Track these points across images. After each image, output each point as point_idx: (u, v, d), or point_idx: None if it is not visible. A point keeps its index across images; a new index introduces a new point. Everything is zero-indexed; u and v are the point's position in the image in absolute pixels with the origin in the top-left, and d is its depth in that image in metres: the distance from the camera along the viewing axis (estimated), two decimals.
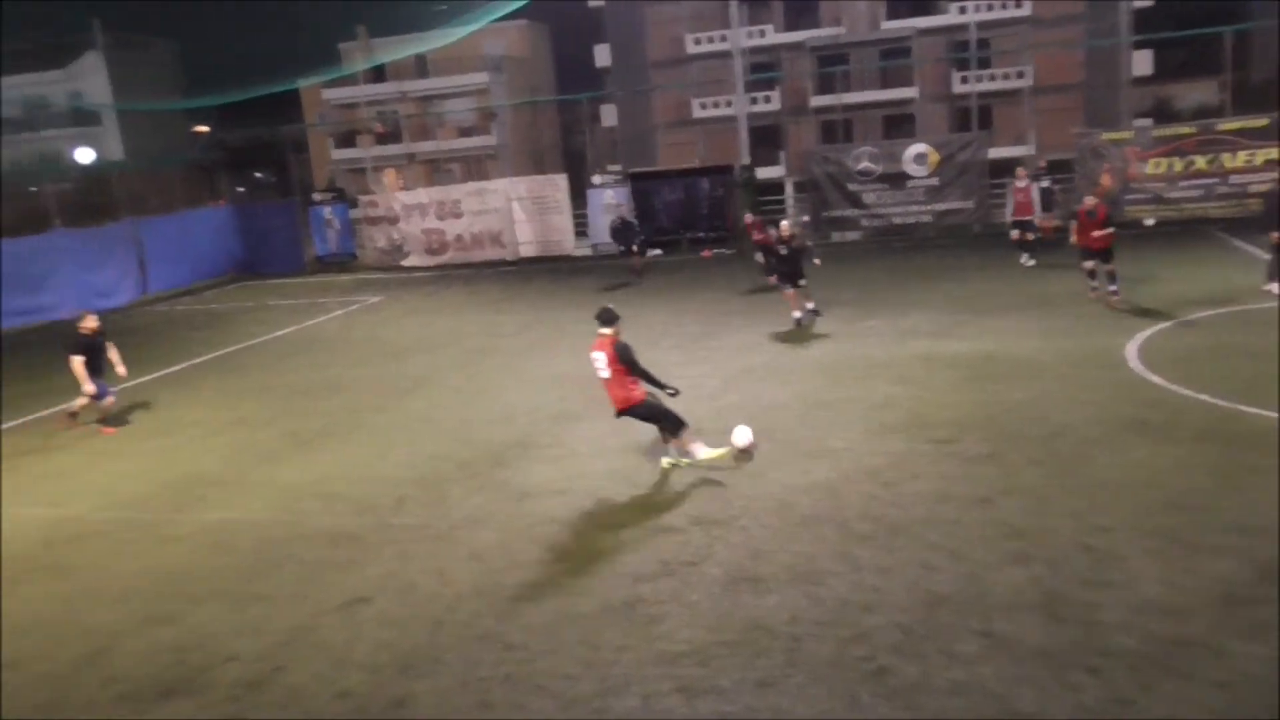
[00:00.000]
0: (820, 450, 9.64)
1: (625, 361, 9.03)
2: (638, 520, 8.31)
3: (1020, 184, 19.55)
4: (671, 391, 9.23)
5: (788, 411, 11.04)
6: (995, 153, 35.58)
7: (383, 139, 56.15)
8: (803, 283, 15.35)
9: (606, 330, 9.16)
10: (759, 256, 19.40)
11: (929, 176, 24.59)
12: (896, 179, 24.79)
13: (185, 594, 7.71)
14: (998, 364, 12.21)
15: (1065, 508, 7.79)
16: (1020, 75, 44.98)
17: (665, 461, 9.34)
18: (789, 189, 30.03)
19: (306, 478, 10.30)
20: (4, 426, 13.67)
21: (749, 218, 21.00)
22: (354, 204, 30.21)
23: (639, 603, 6.83)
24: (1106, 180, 22.73)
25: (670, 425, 9.24)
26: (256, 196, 54.49)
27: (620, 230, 23.15)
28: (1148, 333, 12.99)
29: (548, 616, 6.77)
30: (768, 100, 47.85)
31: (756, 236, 19.68)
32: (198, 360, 17.23)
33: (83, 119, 55.97)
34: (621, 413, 9.24)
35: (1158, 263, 17.77)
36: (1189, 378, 10.73)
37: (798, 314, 15.27)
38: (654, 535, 7.97)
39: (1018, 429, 9.76)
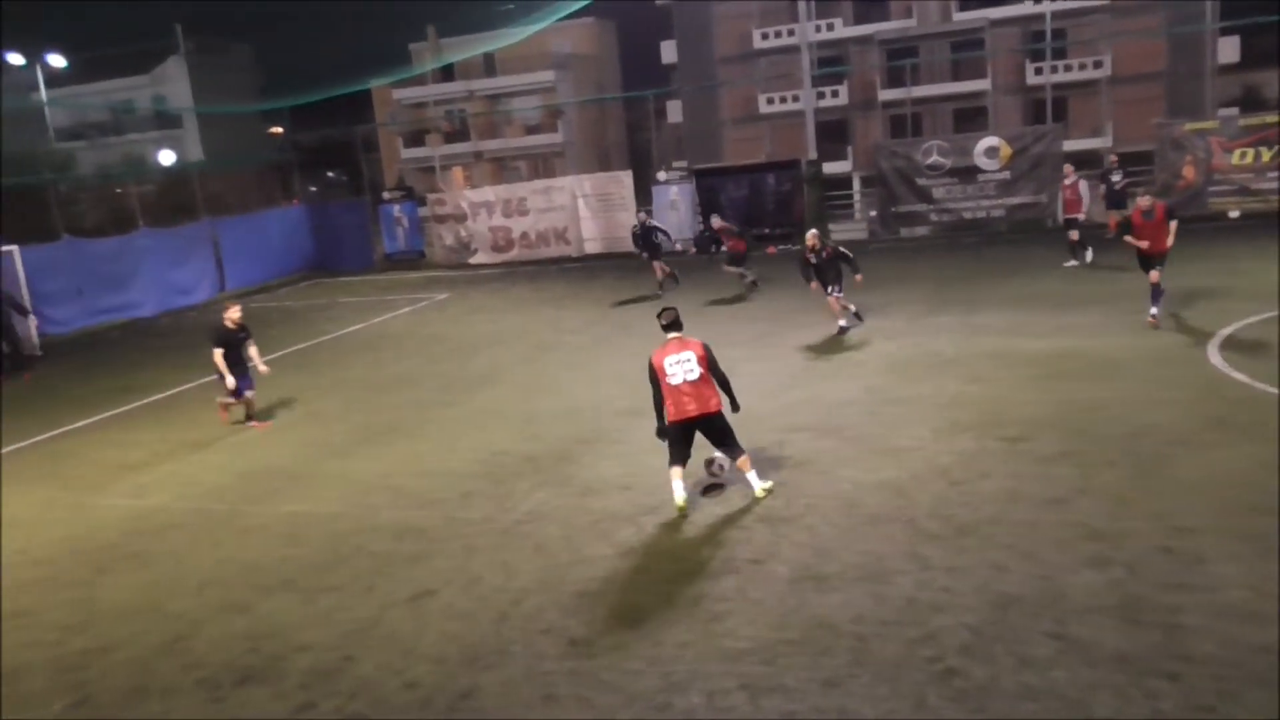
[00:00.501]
0: (888, 448, 9.50)
1: (713, 365, 8.53)
2: (702, 517, 8.28)
3: (1068, 181, 18.94)
4: (736, 408, 8.82)
5: (855, 409, 10.91)
6: (1070, 145, 34.71)
7: (451, 137, 56.90)
8: (835, 291, 14.39)
9: (676, 332, 8.65)
10: (727, 267, 19.24)
11: (1001, 170, 24.07)
12: (967, 173, 24.32)
13: (259, 584, 7.90)
14: (1073, 361, 11.90)
15: (1144, 509, 7.56)
16: (1098, 65, 43.85)
17: (761, 489, 8.54)
18: (856, 184, 29.71)
19: (375, 471, 10.47)
20: (87, 422, 14.15)
21: (716, 222, 20.68)
22: (422, 202, 30.62)
23: (703, 599, 6.81)
24: (1189, 172, 22.04)
25: (736, 445, 8.61)
26: (328, 196, 55.58)
27: (641, 236, 20.84)
28: (1231, 329, 12.54)
29: (611, 611, 6.79)
30: (835, 94, 47.38)
31: (729, 243, 19.92)
32: (271, 356, 17.60)
33: (165, 122, 57.82)
34: (695, 421, 8.44)
35: (1242, 256, 17.18)
36: (1274, 375, 10.34)
37: (842, 322, 14.55)
38: (718, 532, 7.94)
39: (1094, 428, 9.50)
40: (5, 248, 21.02)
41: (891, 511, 7.99)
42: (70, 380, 17.68)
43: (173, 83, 59.00)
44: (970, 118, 45.07)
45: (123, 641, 7.16)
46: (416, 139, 56.99)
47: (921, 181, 24.76)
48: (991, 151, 24.12)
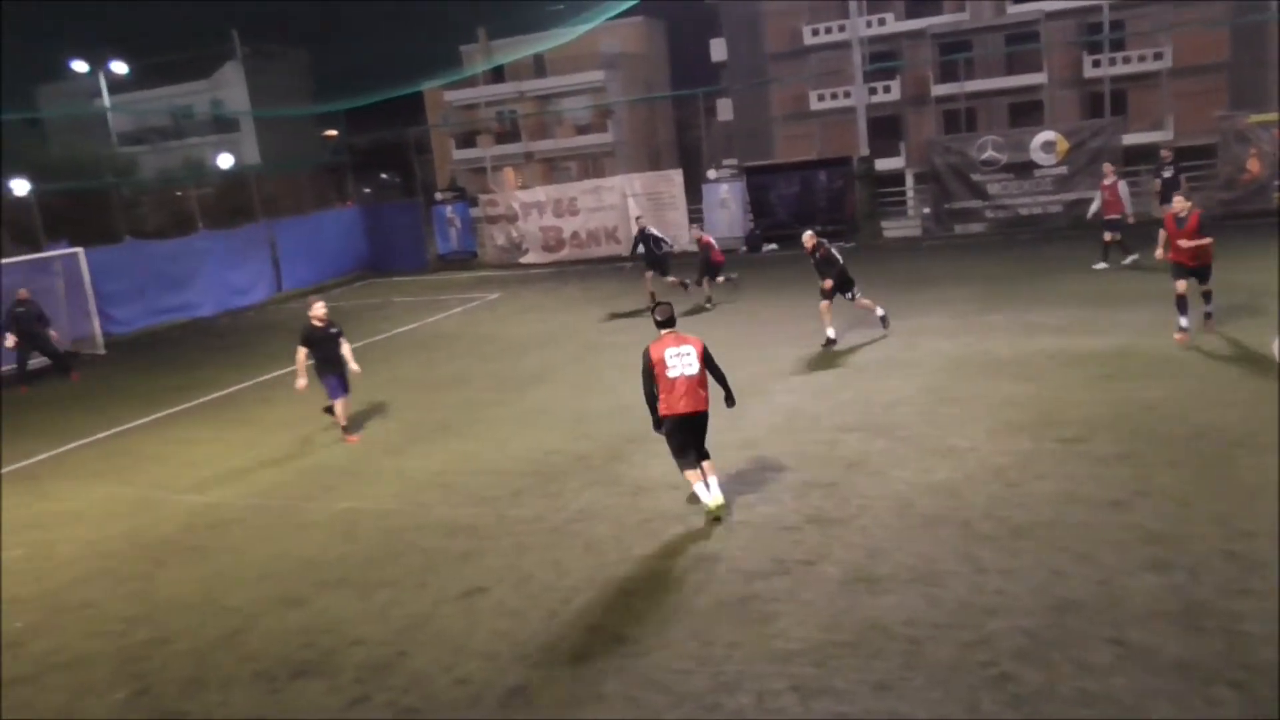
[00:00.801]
0: (942, 449, 9.39)
1: (710, 361, 8.49)
2: (752, 517, 8.25)
3: (1106, 181, 18.30)
4: (731, 402, 8.81)
5: (908, 408, 10.79)
6: (1130, 139, 33.99)
7: (502, 138, 57.31)
8: (852, 295, 14.03)
9: (671, 329, 8.57)
10: (694, 280, 18.92)
11: (1058, 165, 23.64)
12: (1023, 168, 23.92)
13: (315, 579, 8.03)
14: (1132, 360, 11.66)
15: (1207, 512, 7.38)
16: (1158, 57, 42.87)
17: (715, 503, 8.24)
18: (909, 180, 29.38)
19: (428, 469, 10.59)
20: (149, 419, 14.49)
21: (694, 230, 20.69)
22: (474, 203, 30.89)
23: (753, 600, 6.78)
24: (1254, 166, 21.48)
25: (704, 449, 8.48)
26: (382, 197, 56.37)
27: (641, 245, 19.14)
28: None
29: (661, 611, 6.79)
30: (887, 90, 46.91)
31: (701, 249, 19.88)
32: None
33: (223, 126, 59.00)
34: (691, 417, 8.32)
35: None
36: None
37: (830, 333, 14.02)
38: (769, 533, 7.90)
39: (1154, 429, 9.29)
40: (71, 250, 21.61)
41: (945, 513, 7.88)
42: (133, 378, 18.11)
43: (230, 87, 60.21)
44: (1026, 112, 44.32)
45: (182, 633, 7.32)
46: (468, 140, 57.50)
47: (976, 177, 24.42)
48: (1048, 146, 23.71)
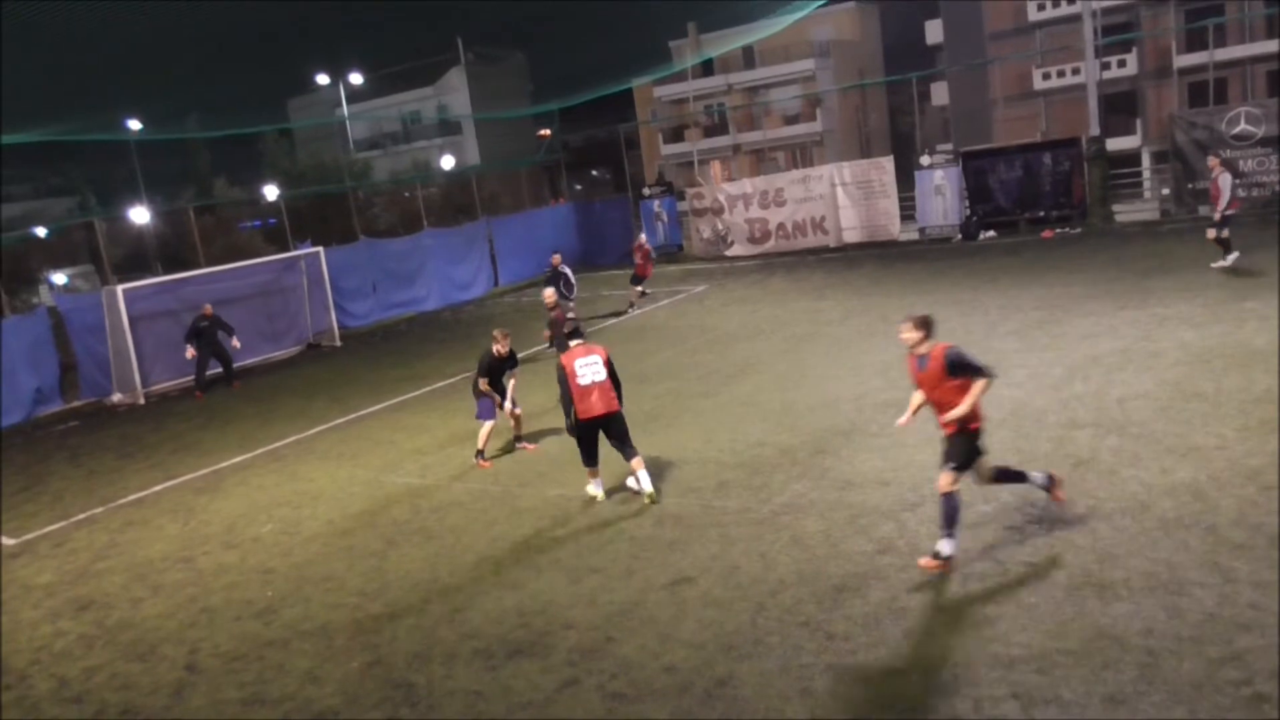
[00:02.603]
0: (1185, 447, 8.63)
1: (613, 369, 9.39)
2: (970, 516, 7.86)
3: (1212, 175, 16.46)
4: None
5: (1146, 403, 9.99)
6: None
7: (709, 131, 57.50)
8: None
9: (579, 340, 9.59)
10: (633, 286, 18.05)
11: None
12: None
13: (529, 562, 8.33)
14: None
15: None
16: None
17: (650, 494, 9.32)
18: (1146, 160, 27.26)
19: None
20: (380, 406, 15.49)
21: (640, 239, 21.29)
22: (681, 197, 31.14)
23: (971, 602, 6.47)
24: None
25: (631, 445, 9.44)
26: (593, 194, 57.80)
27: (553, 281, 18.08)
28: None
29: (872, 609, 6.59)
30: (1122, 64, 43.71)
31: (639, 262, 20.60)
32: (540, 348, 18.54)
33: (447, 129, 62.33)
34: (600, 419, 9.25)
35: None
36: None
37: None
38: (988, 532, 7.52)
39: None
40: (313, 249, 23.43)
41: (1188, 517, 7.24)
42: (366, 369, 19.44)
43: (454, 92, 63.51)
44: None
45: (410, 609, 7.78)
46: (676, 135, 58.04)
47: (1226, 154, 22.28)
48: None
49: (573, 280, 18.75)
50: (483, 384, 11.48)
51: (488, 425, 11.55)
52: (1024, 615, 6.20)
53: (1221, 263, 16.26)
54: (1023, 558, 6.98)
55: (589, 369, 9.21)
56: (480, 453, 11.54)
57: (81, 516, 11.86)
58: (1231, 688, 5.15)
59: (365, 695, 6.56)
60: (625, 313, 21.00)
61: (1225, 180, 16.50)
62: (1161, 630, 5.78)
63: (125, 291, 19.11)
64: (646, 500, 9.25)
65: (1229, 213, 16.30)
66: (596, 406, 9.17)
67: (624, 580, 7.67)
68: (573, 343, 9.60)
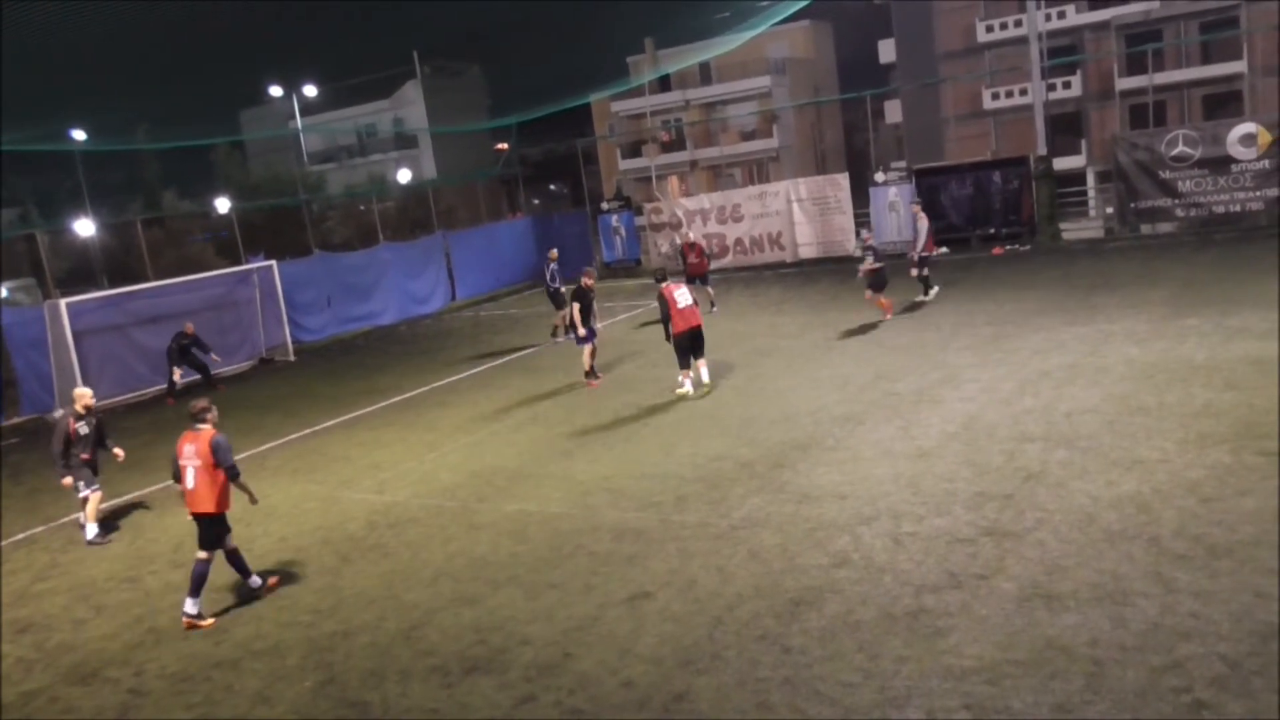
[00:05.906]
0: (1129, 460, 8.84)
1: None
2: (923, 528, 8.00)
3: (916, 219, 17.59)
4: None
5: (1093, 418, 10.21)
6: None
7: (667, 147, 57.81)
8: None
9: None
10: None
11: (1259, 159, 21.86)
12: (1219, 164, 22.24)
13: (487, 578, 8.31)
14: None
15: None
16: None
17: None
18: (1091, 179, 27.87)
19: (595, 473, 10.77)
20: (336, 421, 15.35)
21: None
22: (639, 211, 31.27)
23: (923, 614, 6.57)
24: None
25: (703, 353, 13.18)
26: (551, 207, 57.85)
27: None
28: None
29: (827, 622, 6.67)
30: (1068, 86, 44.70)
31: (694, 260, 20.69)
32: (498, 362, 18.56)
33: (404, 143, 61.96)
34: (695, 329, 13.15)
35: None
36: None
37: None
38: (940, 545, 7.64)
39: None
40: (266, 263, 23.18)
41: (1132, 529, 7.42)
42: (321, 383, 19.25)
43: (410, 106, 63.16)
44: (1222, 104, 41.27)
45: (365, 627, 7.72)
46: (634, 150, 58.28)
47: (1165, 174, 22.91)
48: (1248, 139, 21.99)
49: (558, 275, 20.63)
50: (575, 309, 14.68)
51: (588, 347, 15.06)
52: (975, 627, 6.31)
53: (923, 298, 17.94)
54: (974, 570, 7.10)
55: (682, 296, 13.20)
56: (589, 372, 15.19)
57: (21, 536, 11.64)
58: (1173, 695, 5.29)
59: (318, 715, 6.49)
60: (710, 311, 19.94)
61: (923, 224, 17.90)
62: (1107, 640, 5.92)
63: (69, 305, 18.77)
64: (705, 390, 13.29)
65: (925, 254, 17.88)
66: (692, 319, 13.14)
67: (582, 595, 7.68)
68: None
